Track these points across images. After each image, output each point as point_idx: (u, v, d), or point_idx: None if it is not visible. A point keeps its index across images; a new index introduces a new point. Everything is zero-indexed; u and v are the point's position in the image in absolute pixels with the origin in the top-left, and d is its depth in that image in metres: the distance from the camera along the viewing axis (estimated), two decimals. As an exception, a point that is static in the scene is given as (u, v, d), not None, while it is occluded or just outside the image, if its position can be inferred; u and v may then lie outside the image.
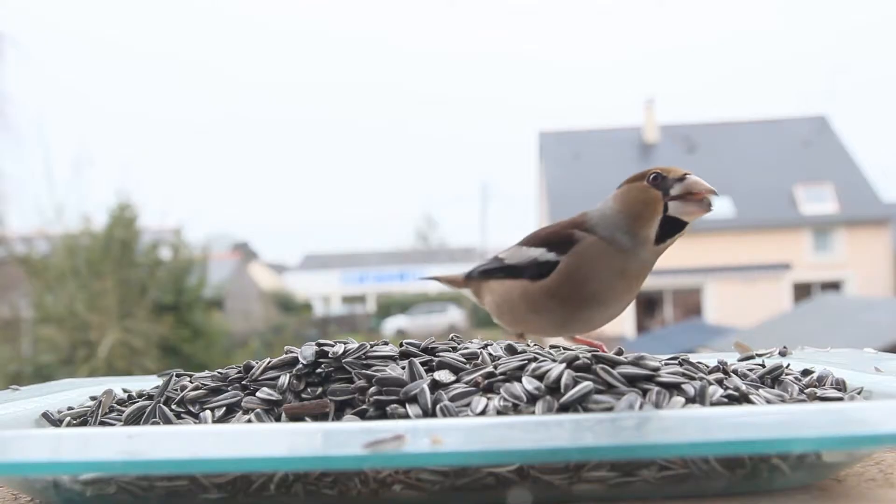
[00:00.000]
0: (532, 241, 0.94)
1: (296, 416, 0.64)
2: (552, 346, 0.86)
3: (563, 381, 0.60)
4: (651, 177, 0.86)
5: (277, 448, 0.50)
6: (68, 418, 0.73)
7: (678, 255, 21.24)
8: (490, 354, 0.70)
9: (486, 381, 0.63)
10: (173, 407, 0.68)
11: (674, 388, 0.61)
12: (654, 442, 0.49)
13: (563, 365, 0.62)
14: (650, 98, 25.26)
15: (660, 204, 0.84)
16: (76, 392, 0.85)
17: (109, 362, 9.40)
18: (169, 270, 11.43)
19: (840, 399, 0.70)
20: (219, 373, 0.73)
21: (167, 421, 0.66)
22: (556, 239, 0.91)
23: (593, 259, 0.87)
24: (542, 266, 0.90)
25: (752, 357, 0.88)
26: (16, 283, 10.58)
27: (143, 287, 10.60)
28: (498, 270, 0.97)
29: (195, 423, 0.66)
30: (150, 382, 0.86)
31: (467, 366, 0.67)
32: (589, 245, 0.88)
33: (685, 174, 0.84)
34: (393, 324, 26.49)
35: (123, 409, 0.72)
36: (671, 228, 0.85)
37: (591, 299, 0.87)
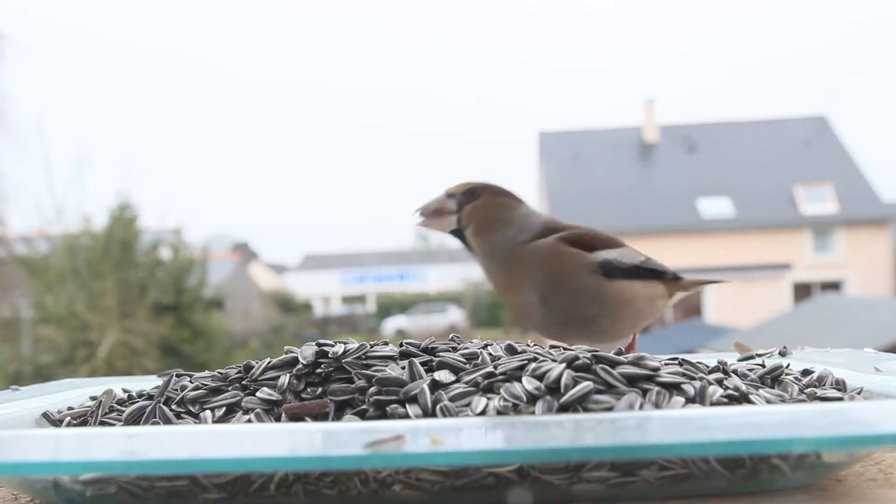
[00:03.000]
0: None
1: (296, 416, 0.64)
2: (552, 346, 0.86)
3: (563, 381, 0.60)
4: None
5: (277, 448, 0.50)
6: (68, 418, 0.73)
7: (678, 255, 21.26)
8: (490, 354, 0.70)
9: (486, 381, 0.63)
10: (173, 407, 0.68)
11: (674, 388, 0.61)
12: (654, 442, 0.49)
13: (563, 365, 0.62)
14: (650, 98, 25.28)
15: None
16: (76, 392, 0.85)
17: (109, 362, 9.40)
18: (169, 270, 11.43)
19: (840, 399, 0.69)
20: (219, 373, 0.73)
21: (167, 421, 0.66)
22: None
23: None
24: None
25: (752, 357, 0.88)
26: (16, 283, 10.58)
27: (143, 287, 10.61)
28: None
29: (195, 423, 0.66)
30: (150, 382, 0.86)
31: (467, 366, 0.67)
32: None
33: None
34: (393, 324, 26.49)
35: (123, 409, 0.71)
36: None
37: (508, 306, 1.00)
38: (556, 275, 0.91)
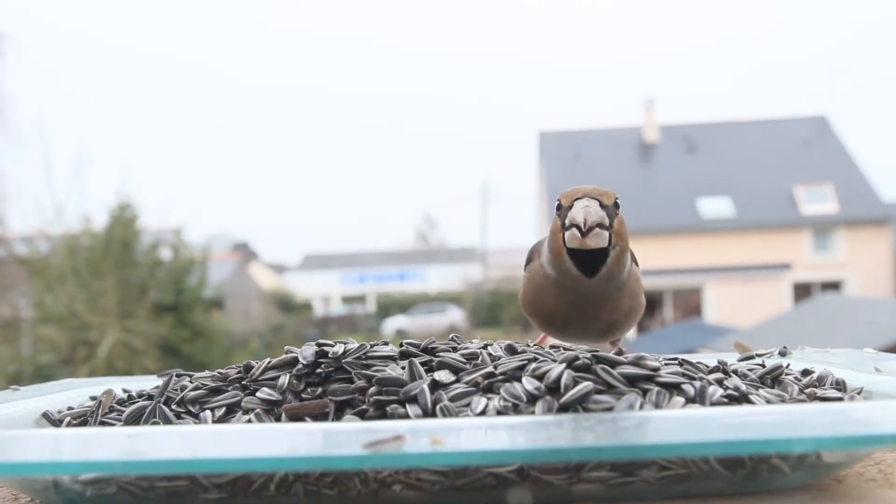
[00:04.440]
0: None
1: (296, 416, 0.64)
2: (552, 347, 0.86)
3: (563, 381, 0.60)
4: (557, 205, 0.80)
5: (277, 448, 0.50)
6: (68, 418, 0.73)
7: (678, 255, 21.26)
8: (490, 354, 0.70)
9: (486, 381, 0.63)
10: (173, 407, 0.68)
11: (674, 388, 0.61)
12: (654, 442, 0.49)
13: (563, 365, 0.62)
14: (650, 98, 25.26)
15: (559, 235, 0.77)
16: (76, 392, 0.85)
17: (109, 362, 9.40)
18: (169, 270, 11.43)
19: (840, 399, 0.69)
20: (219, 373, 0.73)
21: (167, 421, 0.66)
22: (529, 255, 0.89)
23: (534, 282, 0.84)
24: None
25: (752, 357, 0.88)
26: (16, 283, 10.58)
27: (143, 287, 10.60)
28: None
29: (195, 423, 0.66)
30: (150, 382, 0.86)
31: (467, 366, 0.67)
32: (532, 269, 0.86)
33: (574, 201, 0.77)
34: (393, 324, 26.47)
35: (123, 409, 0.71)
36: (589, 259, 0.76)
37: (546, 318, 0.84)
38: (635, 298, 0.87)
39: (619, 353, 0.67)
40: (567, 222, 0.75)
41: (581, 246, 0.73)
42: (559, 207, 0.79)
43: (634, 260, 0.87)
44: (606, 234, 0.74)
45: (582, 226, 0.73)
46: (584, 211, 0.74)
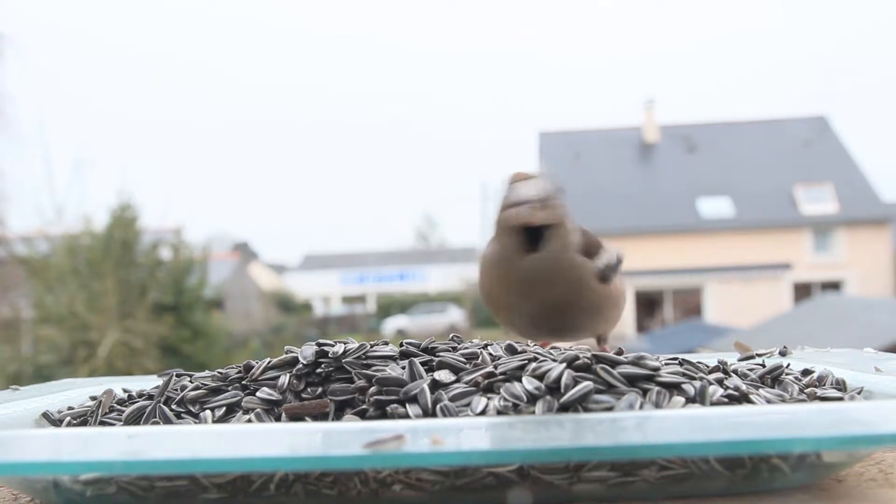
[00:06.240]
0: None
1: (296, 416, 0.64)
2: (552, 347, 0.86)
3: (564, 380, 0.60)
4: (507, 183, 0.80)
5: (277, 448, 0.50)
6: (68, 418, 0.73)
7: (678, 255, 21.25)
8: (490, 354, 0.70)
9: (486, 381, 0.63)
10: (173, 407, 0.68)
11: (674, 388, 0.61)
12: (654, 442, 0.49)
13: (564, 365, 0.62)
14: (650, 98, 25.26)
15: (508, 211, 0.77)
16: (76, 392, 0.85)
17: (109, 362, 9.40)
18: (169, 271, 11.43)
19: (840, 399, 0.69)
20: (219, 373, 0.73)
21: (167, 421, 0.66)
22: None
23: (485, 266, 0.83)
24: None
25: (752, 357, 0.88)
26: (16, 283, 10.58)
27: (143, 287, 10.60)
28: None
29: (195, 423, 0.66)
30: (150, 382, 0.86)
31: (467, 366, 0.67)
32: (485, 252, 0.84)
33: (517, 180, 0.77)
34: (393, 324, 26.47)
35: (123, 409, 0.71)
36: (537, 237, 0.76)
37: (497, 304, 0.82)
38: (572, 285, 0.87)
39: (619, 352, 0.67)
40: (514, 199, 0.76)
41: (529, 220, 0.74)
42: (508, 187, 0.79)
43: (620, 259, 0.87)
44: (553, 211, 0.76)
45: (530, 200, 0.75)
46: (533, 186, 0.76)
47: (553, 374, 0.61)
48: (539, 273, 0.79)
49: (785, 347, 0.92)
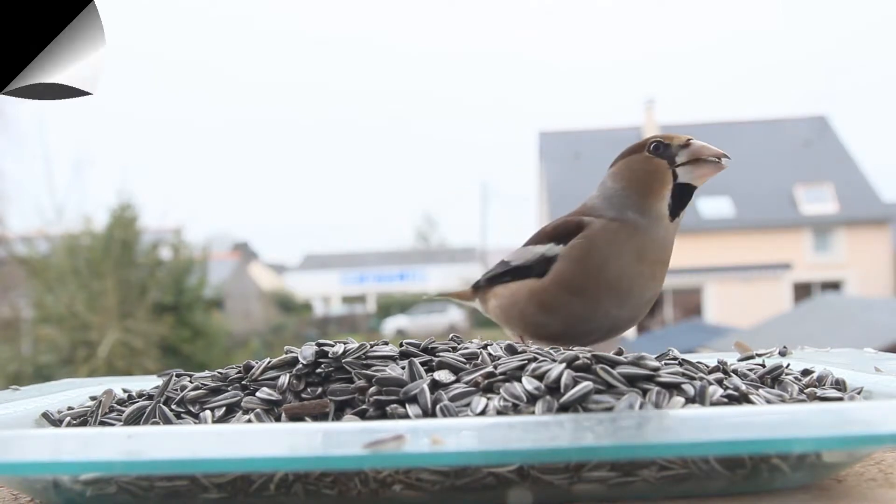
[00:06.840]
0: (538, 238, 0.87)
1: (296, 416, 0.64)
2: (552, 347, 0.86)
3: (563, 381, 0.60)
4: (652, 146, 0.78)
5: (277, 448, 0.50)
6: (68, 418, 0.73)
7: (678, 255, 21.21)
8: (490, 354, 0.70)
9: (486, 381, 0.63)
10: (173, 407, 0.68)
11: (674, 388, 0.61)
12: (654, 442, 0.49)
13: (563, 365, 0.62)
14: (650, 98, 25.26)
15: (668, 173, 0.76)
16: (76, 392, 0.85)
17: (109, 362, 9.40)
18: (169, 270, 11.44)
19: (840, 399, 0.69)
20: (219, 373, 0.73)
21: (167, 421, 0.66)
22: (563, 230, 0.83)
23: (607, 241, 0.78)
24: (552, 261, 0.81)
25: (752, 357, 0.88)
26: (16, 283, 10.58)
27: (143, 287, 10.61)
28: (505, 274, 0.89)
29: (195, 423, 0.66)
30: (150, 382, 0.86)
31: (467, 366, 0.67)
32: (600, 227, 0.79)
33: (688, 140, 0.77)
34: (393, 324, 26.46)
35: (123, 409, 0.71)
36: (682, 198, 0.77)
37: (612, 288, 0.78)
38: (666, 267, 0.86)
39: (619, 352, 0.67)
40: (687, 157, 0.75)
41: (718, 171, 0.74)
42: (660, 146, 0.77)
43: None
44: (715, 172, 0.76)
45: (717, 156, 0.74)
46: (706, 144, 0.75)
47: (553, 374, 0.61)
48: (668, 249, 0.78)
49: (785, 347, 0.92)
